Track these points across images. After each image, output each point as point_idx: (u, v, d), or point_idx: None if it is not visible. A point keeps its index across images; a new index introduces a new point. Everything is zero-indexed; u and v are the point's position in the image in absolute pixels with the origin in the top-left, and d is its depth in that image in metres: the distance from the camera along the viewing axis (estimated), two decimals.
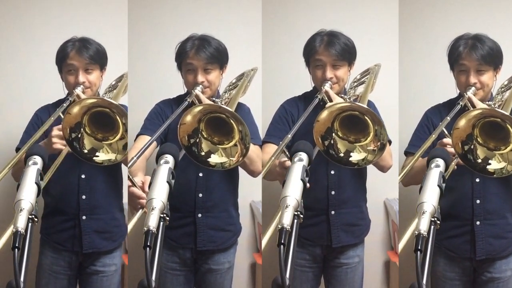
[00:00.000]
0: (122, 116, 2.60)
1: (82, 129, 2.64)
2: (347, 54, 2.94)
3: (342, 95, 2.95)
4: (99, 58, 2.95)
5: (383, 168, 2.96)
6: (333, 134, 2.67)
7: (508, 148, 2.55)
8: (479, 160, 2.56)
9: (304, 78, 3.03)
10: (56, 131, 2.71)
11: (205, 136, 2.66)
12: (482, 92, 2.83)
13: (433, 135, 2.71)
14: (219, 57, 2.95)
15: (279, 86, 3.39)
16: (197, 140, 2.64)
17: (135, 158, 2.50)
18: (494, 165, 2.57)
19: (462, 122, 2.54)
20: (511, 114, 2.64)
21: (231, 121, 2.59)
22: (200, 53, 2.91)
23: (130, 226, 2.26)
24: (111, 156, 2.66)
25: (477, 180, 2.82)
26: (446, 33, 2.99)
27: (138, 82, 3.33)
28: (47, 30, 3.22)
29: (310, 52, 2.96)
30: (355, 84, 3.11)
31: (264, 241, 2.16)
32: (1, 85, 3.36)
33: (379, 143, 2.62)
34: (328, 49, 2.92)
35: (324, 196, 2.96)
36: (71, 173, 2.90)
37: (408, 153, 2.90)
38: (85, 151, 2.65)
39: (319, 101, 2.87)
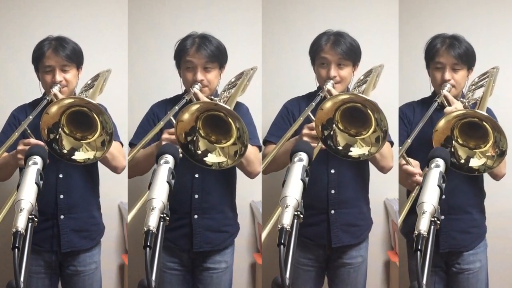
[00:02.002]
0: (99, 114, 2.63)
1: (60, 130, 2.68)
2: (353, 54, 2.96)
3: None
4: (75, 57, 2.95)
5: (383, 169, 2.97)
6: (334, 125, 2.68)
7: (488, 146, 2.60)
8: (462, 161, 2.61)
9: (304, 78, 3.03)
10: (21, 146, 2.72)
11: (202, 134, 2.67)
12: (455, 90, 2.90)
13: (413, 133, 2.76)
14: (219, 56, 2.95)
15: (279, 86, 3.39)
16: (194, 138, 2.65)
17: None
18: (476, 162, 2.63)
19: (441, 124, 2.61)
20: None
21: (229, 119, 2.60)
22: (201, 51, 2.91)
23: (129, 217, 2.27)
24: (91, 154, 2.69)
25: None
26: (446, 32, 2.99)
27: (138, 82, 3.33)
28: (47, 30, 3.21)
29: (316, 51, 2.98)
30: (359, 83, 3.12)
31: (263, 234, 2.17)
32: (1, 85, 3.36)
33: (382, 133, 2.65)
34: (334, 48, 2.93)
35: (324, 195, 2.96)
36: (49, 173, 2.86)
37: None
38: (65, 151, 2.70)
39: (321, 99, 2.88)
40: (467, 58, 2.89)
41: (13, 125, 2.92)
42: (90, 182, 3.01)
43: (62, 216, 2.94)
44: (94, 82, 3.04)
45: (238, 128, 2.62)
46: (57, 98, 2.82)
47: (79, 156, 2.72)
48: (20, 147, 2.74)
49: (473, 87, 3.03)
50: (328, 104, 2.68)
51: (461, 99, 2.89)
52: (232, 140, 2.67)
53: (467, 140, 2.66)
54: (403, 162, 2.71)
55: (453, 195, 2.86)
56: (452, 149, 2.64)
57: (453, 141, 2.65)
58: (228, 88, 3.06)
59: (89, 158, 2.73)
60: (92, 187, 3.03)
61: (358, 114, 2.69)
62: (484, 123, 2.63)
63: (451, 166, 2.61)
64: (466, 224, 2.92)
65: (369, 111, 2.67)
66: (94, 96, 2.91)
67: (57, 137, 2.71)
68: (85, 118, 2.70)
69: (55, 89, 2.88)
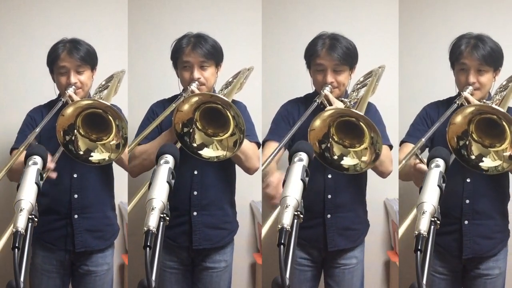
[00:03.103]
0: (116, 118, 2.66)
1: (75, 131, 2.69)
2: (349, 58, 2.93)
3: (343, 99, 2.94)
4: (90, 59, 2.97)
5: (382, 174, 2.94)
6: (330, 138, 2.68)
7: (503, 146, 2.58)
8: (473, 157, 2.59)
9: (304, 78, 3.03)
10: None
11: (199, 127, 2.71)
12: (480, 93, 2.84)
13: (428, 133, 2.73)
14: (215, 53, 2.96)
15: (279, 86, 3.39)
16: (191, 130, 2.69)
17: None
18: (489, 162, 2.60)
19: (458, 118, 2.57)
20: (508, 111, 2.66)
21: (226, 111, 2.62)
22: (197, 50, 2.92)
23: (129, 209, 2.26)
24: (105, 155, 2.72)
25: (468, 180, 2.83)
26: (446, 33, 2.99)
27: (138, 82, 3.33)
28: (47, 30, 3.22)
29: (311, 56, 2.95)
30: (358, 86, 3.10)
31: (263, 231, 2.17)
32: (1, 85, 3.36)
33: (374, 154, 2.64)
34: (330, 54, 2.90)
35: (320, 199, 2.94)
36: (64, 173, 2.89)
37: (403, 142, 2.90)
38: (81, 152, 2.72)
39: (318, 104, 2.87)
40: (492, 60, 2.81)
41: (30, 125, 2.94)
42: (105, 182, 3.02)
43: (76, 216, 2.95)
44: (108, 83, 3.06)
45: (233, 116, 2.65)
46: (72, 100, 2.85)
47: (94, 157, 2.75)
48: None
49: (500, 89, 2.95)
50: (316, 123, 2.66)
51: (485, 100, 2.82)
52: (230, 131, 2.70)
53: (482, 137, 2.61)
54: (417, 161, 2.66)
55: (477, 200, 2.83)
56: (467, 143, 2.60)
57: (469, 136, 2.60)
58: (226, 87, 3.08)
59: (104, 159, 2.76)
60: (107, 187, 3.04)
61: (354, 126, 2.68)
62: (501, 120, 2.56)
63: (460, 159, 2.59)
64: (490, 229, 2.87)
65: (363, 126, 2.66)
66: (109, 98, 2.93)
67: (73, 138, 2.73)
68: (100, 120, 2.72)
69: (70, 91, 2.89)
